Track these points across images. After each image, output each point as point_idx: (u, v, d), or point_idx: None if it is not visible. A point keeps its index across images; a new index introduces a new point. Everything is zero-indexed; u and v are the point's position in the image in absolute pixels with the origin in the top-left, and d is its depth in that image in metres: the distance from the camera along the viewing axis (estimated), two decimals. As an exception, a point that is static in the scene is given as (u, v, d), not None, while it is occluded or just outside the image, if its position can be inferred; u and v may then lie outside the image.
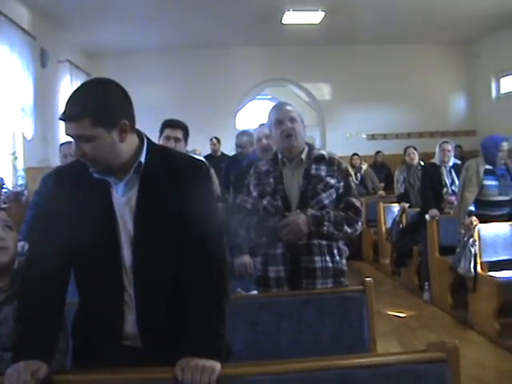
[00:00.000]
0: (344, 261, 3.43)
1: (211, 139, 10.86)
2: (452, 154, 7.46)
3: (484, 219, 6.06)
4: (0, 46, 7.50)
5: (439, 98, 13.88)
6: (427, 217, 7.06)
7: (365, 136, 13.74)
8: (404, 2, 10.22)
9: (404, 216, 8.52)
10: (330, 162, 3.40)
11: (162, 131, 4.22)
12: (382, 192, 11.23)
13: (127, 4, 9.35)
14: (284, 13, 10.48)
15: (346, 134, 13.56)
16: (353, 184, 3.45)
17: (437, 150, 7.45)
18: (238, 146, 5.88)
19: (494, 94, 13.52)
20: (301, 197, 3.28)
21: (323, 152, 3.48)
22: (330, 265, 3.29)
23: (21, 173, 8.37)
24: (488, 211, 6.17)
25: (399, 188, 9.28)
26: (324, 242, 3.29)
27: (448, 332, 6.10)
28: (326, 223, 3.22)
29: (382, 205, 9.68)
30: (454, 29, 12.36)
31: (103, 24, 10.32)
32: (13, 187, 8.00)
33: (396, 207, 9.05)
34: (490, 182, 6.20)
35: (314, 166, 3.34)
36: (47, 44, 9.51)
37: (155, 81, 12.61)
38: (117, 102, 2.12)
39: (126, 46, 11.93)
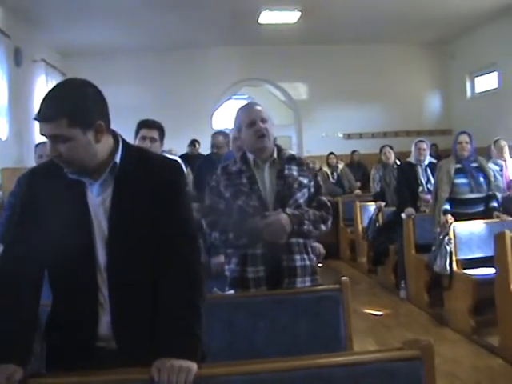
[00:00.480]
0: (315, 258, 3.47)
1: (192, 143, 10.86)
2: (427, 152, 7.52)
3: (459, 217, 6.12)
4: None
5: (415, 97, 14.00)
6: (403, 215, 7.11)
7: (341, 135, 13.82)
8: (380, 2, 10.30)
9: (380, 215, 8.57)
10: (300, 162, 3.44)
11: (137, 131, 4.21)
12: (358, 191, 11.30)
13: (103, 4, 9.31)
14: (260, 12, 10.51)
15: (323, 133, 13.63)
16: (321, 183, 3.51)
17: (412, 149, 7.50)
18: (213, 145, 5.86)
19: (468, 93, 13.70)
20: (277, 197, 3.28)
21: (293, 152, 3.55)
22: (308, 263, 3.32)
23: (-5, 174, 8.30)
24: (461, 209, 6.24)
25: (375, 187, 9.32)
26: (301, 241, 3.31)
27: (424, 330, 6.14)
28: (306, 222, 3.25)
29: (358, 204, 9.71)
30: (429, 29, 12.48)
31: (79, 24, 10.25)
32: (-13, 188, 7.93)
33: (372, 206, 9.10)
34: (460, 181, 6.28)
35: (286, 166, 3.36)
36: (22, 43, 9.44)
37: (131, 81, 12.55)
38: (93, 103, 2.11)
39: (101, 46, 11.88)
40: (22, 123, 9.06)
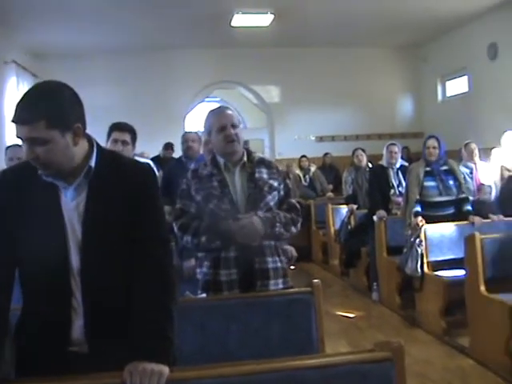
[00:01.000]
0: (285, 260, 3.49)
1: (167, 146, 10.82)
2: (399, 155, 7.58)
3: (429, 220, 6.18)
4: None
5: (387, 100, 14.12)
6: (375, 218, 7.15)
7: (313, 138, 13.87)
8: (353, 6, 10.36)
9: (352, 217, 8.62)
10: (269, 165, 3.46)
11: (109, 134, 4.18)
12: (330, 194, 11.34)
13: (75, 5, 9.24)
14: (233, 15, 10.53)
15: (295, 136, 13.66)
16: (290, 185, 3.55)
17: (384, 152, 7.56)
18: (185, 140, 5.68)
19: (440, 96, 13.87)
20: (248, 200, 3.30)
21: (262, 155, 3.57)
22: (279, 265, 3.34)
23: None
24: (431, 212, 6.29)
25: (347, 189, 9.35)
26: (273, 243, 3.33)
27: (396, 331, 6.18)
28: (277, 224, 3.27)
29: (330, 206, 9.75)
30: (401, 33, 12.60)
31: (51, 25, 10.18)
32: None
33: (344, 209, 9.14)
34: (429, 184, 6.34)
35: (256, 170, 3.38)
36: (-8, 44, 9.34)
37: (103, 83, 12.46)
38: (70, 105, 2.11)
39: (73, 47, 11.79)
40: (-9, 125, 8.97)
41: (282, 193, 3.41)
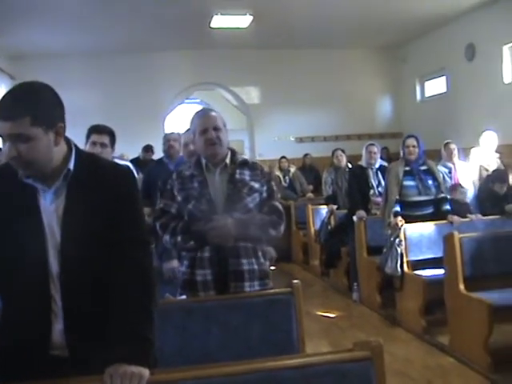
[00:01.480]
0: (268, 262, 3.49)
1: (147, 148, 10.78)
2: (378, 156, 7.62)
3: (408, 219, 6.21)
4: None
5: (366, 101, 14.18)
6: (355, 218, 7.18)
7: (293, 139, 13.88)
8: (332, 8, 10.39)
9: (332, 217, 8.64)
10: (253, 166, 3.47)
11: (88, 137, 4.17)
12: (310, 194, 11.37)
13: (52, 6, 9.18)
14: (212, 17, 10.52)
15: (275, 137, 13.67)
16: (275, 188, 3.53)
17: (363, 153, 7.59)
18: (167, 140, 5.65)
19: (418, 97, 13.97)
20: (226, 201, 3.31)
21: (246, 157, 3.60)
22: (256, 267, 3.33)
23: None
24: (410, 211, 6.33)
25: (327, 190, 9.36)
26: (249, 245, 3.33)
27: (377, 330, 6.22)
28: (251, 226, 3.27)
29: (310, 207, 9.79)
30: (380, 34, 12.67)
31: (28, 26, 10.09)
32: None
33: (324, 209, 9.18)
34: (408, 183, 6.37)
35: (238, 171, 3.39)
36: (-33, 46, 9.25)
37: (82, 85, 12.37)
38: (54, 105, 2.12)
39: (51, 49, 11.70)
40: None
41: (264, 195, 3.41)
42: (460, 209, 6.58)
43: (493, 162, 8.08)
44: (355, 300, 7.40)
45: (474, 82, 11.33)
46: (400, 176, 6.38)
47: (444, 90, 12.85)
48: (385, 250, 6.28)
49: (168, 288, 3.80)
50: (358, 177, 7.53)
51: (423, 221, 6.29)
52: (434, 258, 6.00)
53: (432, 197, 6.37)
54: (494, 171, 7.46)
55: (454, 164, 7.66)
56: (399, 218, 6.18)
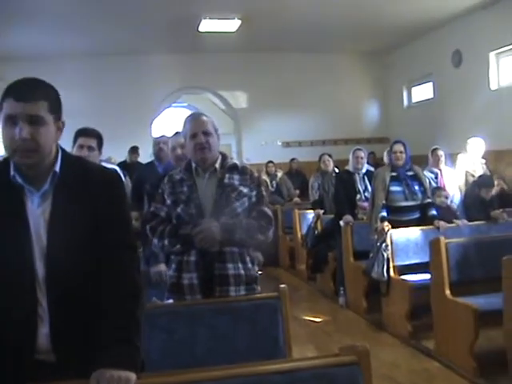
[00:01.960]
0: (256, 268, 3.49)
1: (133, 150, 10.75)
2: (365, 160, 7.64)
3: (394, 224, 6.22)
4: None
5: (354, 106, 14.22)
6: (341, 223, 7.20)
7: (280, 143, 13.90)
8: (319, 13, 10.42)
9: (319, 222, 8.65)
10: (243, 171, 3.47)
11: (75, 140, 4.14)
12: (297, 199, 11.37)
13: (40, 9, 9.14)
14: (201, 21, 10.52)
15: (262, 141, 13.68)
16: (264, 193, 3.54)
17: (350, 158, 7.61)
18: (157, 143, 5.62)
19: (405, 102, 14.04)
20: (214, 205, 3.32)
21: (236, 162, 3.59)
22: (242, 272, 3.33)
23: None
24: (397, 216, 6.34)
25: (314, 195, 9.38)
26: (236, 250, 3.33)
27: (363, 335, 6.23)
28: (238, 231, 3.27)
29: (297, 211, 9.79)
30: (368, 40, 12.73)
31: (17, 27, 10.03)
32: None
33: (311, 214, 9.17)
34: (395, 188, 6.40)
35: (227, 176, 3.40)
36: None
37: (69, 87, 12.09)
38: (60, 101, 2.19)
39: (39, 51, 11.61)
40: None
41: (253, 199, 3.41)
42: (446, 214, 6.60)
43: (479, 168, 8.14)
44: (342, 305, 7.40)
45: (460, 88, 11.40)
46: (387, 181, 6.40)
47: (431, 95, 12.93)
48: (371, 255, 6.29)
49: (155, 292, 3.80)
50: (345, 182, 7.54)
51: (410, 226, 6.30)
52: (421, 263, 6.01)
53: (418, 202, 6.39)
54: (479, 177, 7.50)
55: (440, 170, 7.70)
56: (386, 223, 6.19)
